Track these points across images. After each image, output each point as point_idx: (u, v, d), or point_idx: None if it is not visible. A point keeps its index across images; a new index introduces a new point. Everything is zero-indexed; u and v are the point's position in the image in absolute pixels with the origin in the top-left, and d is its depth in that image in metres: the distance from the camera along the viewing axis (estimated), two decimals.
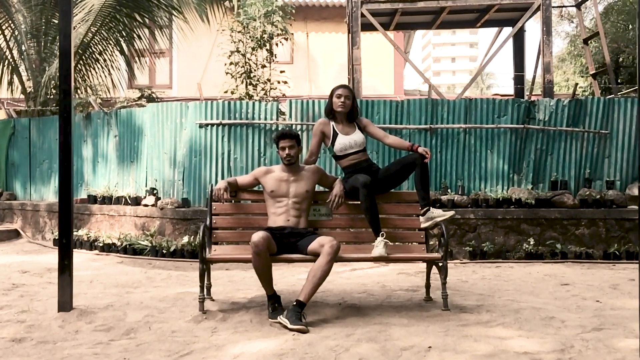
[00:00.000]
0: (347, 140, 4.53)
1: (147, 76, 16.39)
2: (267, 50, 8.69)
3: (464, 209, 7.44)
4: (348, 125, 4.62)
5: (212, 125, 7.98)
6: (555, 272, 6.40)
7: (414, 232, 4.62)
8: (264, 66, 8.74)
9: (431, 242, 4.61)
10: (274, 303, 4.08)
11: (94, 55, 11.42)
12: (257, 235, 3.89)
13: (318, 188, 4.62)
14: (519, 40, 10.51)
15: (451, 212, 4.33)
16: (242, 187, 4.55)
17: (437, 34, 76.91)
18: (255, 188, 4.65)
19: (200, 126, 8.00)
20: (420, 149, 4.40)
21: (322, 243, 3.97)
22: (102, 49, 11.47)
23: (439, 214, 4.33)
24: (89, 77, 11.50)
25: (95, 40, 11.28)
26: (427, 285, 4.71)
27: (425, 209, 4.37)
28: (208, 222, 4.48)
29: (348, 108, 4.55)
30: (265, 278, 4.03)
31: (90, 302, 4.60)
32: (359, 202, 4.37)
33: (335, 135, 4.56)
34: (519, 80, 10.44)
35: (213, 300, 4.63)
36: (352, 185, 4.38)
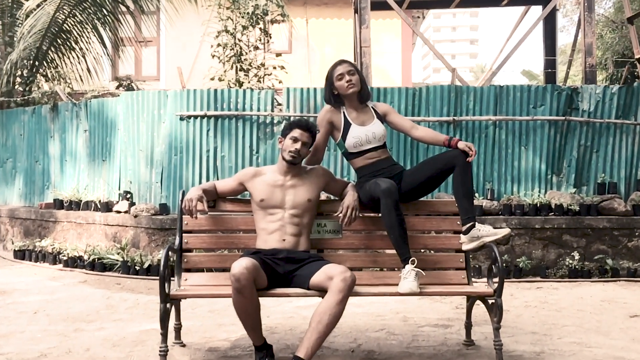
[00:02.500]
0: (364, 132, 3.49)
1: (133, 67, 15.61)
2: (260, 29, 7.62)
3: (494, 216, 6.40)
4: (363, 111, 3.58)
5: (196, 117, 6.95)
6: (611, 295, 5.36)
7: (450, 254, 3.58)
8: (256, 48, 7.66)
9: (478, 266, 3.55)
10: (263, 357, 3.03)
11: (68, 43, 10.38)
12: (239, 265, 2.84)
13: (323, 195, 3.62)
14: (550, 20, 9.50)
15: (505, 230, 3.27)
16: (223, 195, 3.51)
17: (437, 16, 76.34)
18: (241, 196, 3.60)
19: (181, 118, 6.97)
20: (461, 144, 3.35)
21: (331, 274, 2.93)
22: (78, 33, 10.45)
23: (488, 232, 3.28)
24: (62, 65, 10.47)
25: (70, 23, 10.23)
26: (468, 326, 3.66)
27: (469, 225, 3.33)
28: (177, 243, 3.43)
29: (359, 85, 3.52)
30: (251, 323, 2.99)
31: (20, 348, 3.54)
32: (379, 216, 3.32)
33: (347, 125, 3.51)
34: (550, 64, 9.41)
35: (184, 346, 3.58)
36: (369, 193, 3.34)
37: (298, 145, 3.32)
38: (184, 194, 3.39)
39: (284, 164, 3.37)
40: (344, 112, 3.56)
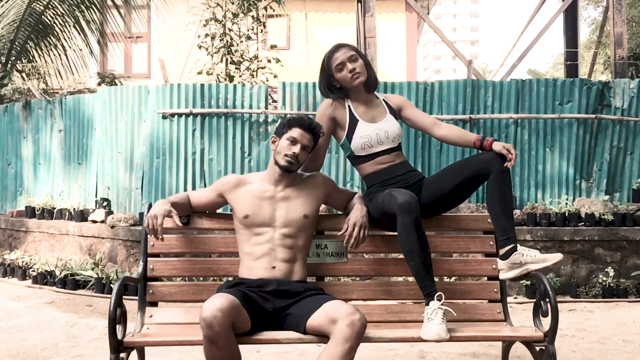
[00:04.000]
0: (374, 130, 2.84)
1: (122, 64, 15.11)
2: (253, 17, 6.95)
3: (517, 227, 5.71)
4: (372, 105, 2.93)
5: (180, 115, 6.32)
6: None
7: (482, 282, 2.92)
8: (249, 38, 7.00)
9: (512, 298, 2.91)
10: None
11: (49, 38, 9.74)
12: (212, 306, 2.19)
13: (323, 208, 2.94)
14: (572, 9, 8.86)
15: (557, 256, 2.62)
16: (199, 209, 2.85)
17: (438, 17, 76.71)
18: (222, 210, 2.94)
19: (164, 117, 6.32)
20: (497, 145, 2.70)
21: (334, 316, 2.27)
22: (60, 27, 9.82)
23: (534, 258, 2.62)
24: (42, 61, 9.83)
25: (50, 15, 9.61)
26: None
27: (508, 248, 2.67)
28: (140, 269, 2.78)
29: (366, 74, 2.87)
30: None
31: None
32: (395, 235, 2.67)
33: (353, 122, 2.86)
34: (571, 57, 8.78)
35: None
36: (382, 207, 2.68)
37: (297, 149, 2.67)
38: (149, 206, 2.74)
39: (277, 171, 2.72)
40: (349, 107, 2.90)
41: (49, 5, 9.29)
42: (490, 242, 2.94)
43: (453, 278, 3.05)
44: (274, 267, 2.61)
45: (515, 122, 6.29)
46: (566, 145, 6.28)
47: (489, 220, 2.93)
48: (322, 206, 2.91)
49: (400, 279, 2.94)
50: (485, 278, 2.93)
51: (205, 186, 6.30)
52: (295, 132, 2.68)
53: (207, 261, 2.89)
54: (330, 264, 2.89)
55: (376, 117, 2.90)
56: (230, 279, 2.84)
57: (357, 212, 2.71)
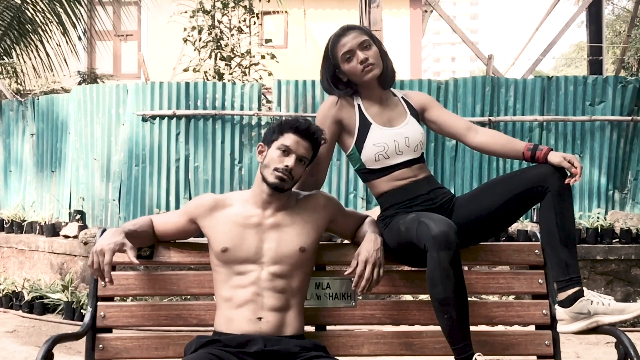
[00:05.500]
0: (391, 136, 2.24)
1: (111, 63, 14.71)
2: (245, 7, 6.37)
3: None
4: (389, 104, 2.34)
5: (162, 117, 5.84)
6: None
7: (529, 332, 2.31)
8: (240, 31, 6.42)
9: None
10: None
11: (27, 36, 9.17)
12: None
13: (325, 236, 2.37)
14: (596, 1, 8.35)
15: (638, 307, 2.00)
16: (165, 238, 2.24)
17: (437, 19, 77.49)
18: (193, 239, 2.32)
19: (144, 119, 5.83)
20: (555, 156, 2.11)
21: None
22: (41, 23, 9.27)
23: (607, 308, 2.01)
24: (21, 60, 9.27)
25: (30, 11, 9.04)
26: None
27: (573, 292, 2.05)
28: (87, 318, 2.17)
29: (381, 65, 2.27)
30: None
31: None
32: (419, 271, 2.06)
33: (365, 126, 2.26)
34: (594, 52, 8.29)
35: None
36: (405, 237, 2.09)
37: (291, 161, 2.06)
38: (103, 231, 2.14)
39: (265, 190, 2.11)
40: (359, 106, 2.29)
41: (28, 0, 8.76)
42: (539, 280, 2.34)
43: (492, 326, 2.43)
44: (260, 319, 2.01)
45: (540, 125, 5.84)
46: (598, 152, 5.87)
47: (536, 251, 2.34)
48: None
49: (425, 327, 2.32)
50: (533, 327, 2.32)
51: (190, 198, 5.72)
52: (289, 139, 2.08)
53: (176, 306, 2.28)
54: (334, 308, 2.28)
55: (394, 120, 2.29)
56: (204, 330, 2.22)
57: (370, 245, 2.10)
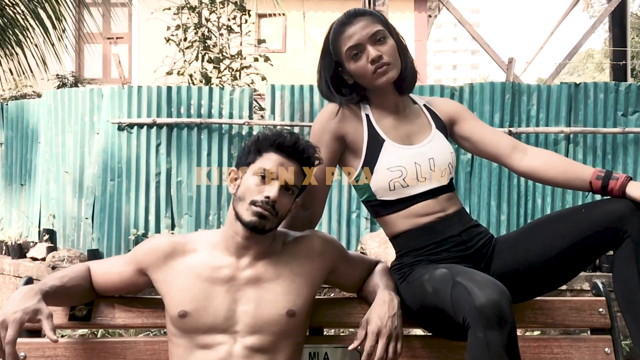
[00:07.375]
0: (411, 157, 1.72)
1: (101, 67, 14.42)
2: (235, 4, 5.85)
3: None
4: (408, 114, 1.81)
5: (141, 126, 5.31)
6: None
7: None
8: (230, 30, 5.90)
9: None
10: None
11: (9, 36, 8.70)
12: None
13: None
14: (621, 4, 7.88)
15: None
16: (106, 293, 1.71)
17: (439, 26, 78.91)
18: (145, 293, 1.78)
19: (121, 128, 5.30)
20: (635, 189, 1.56)
21: None
22: (22, 25, 8.79)
23: None
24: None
25: (9, 12, 8.56)
26: None
27: None
28: None
29: (399, 65, 1.73)
30: None
31: None
32: (447, 342, 1.52)
33: (375, 143, 1.73)
34: (619, 56, 7.82)
35: None
36: (432, 301, 1.55)
37: (273, 191, 1.52)
38: (28, 282, 1.63)
39: (239, 231, 1.57)
40: (367, 117, 1.75)
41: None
42: (607, 349, 1.82)
43: None
44: None
45: (567, 138, 5.33)
46: (631, 167, 5.36)
47: (601, 309, 1.83)
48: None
49: None
50: None
51: (172, 218, 5.19)
52: (269, 161, 1.54)
53: None
54: None
55: (414, 136, 1.75)
56: None
57: (383, 310, 1.55)
